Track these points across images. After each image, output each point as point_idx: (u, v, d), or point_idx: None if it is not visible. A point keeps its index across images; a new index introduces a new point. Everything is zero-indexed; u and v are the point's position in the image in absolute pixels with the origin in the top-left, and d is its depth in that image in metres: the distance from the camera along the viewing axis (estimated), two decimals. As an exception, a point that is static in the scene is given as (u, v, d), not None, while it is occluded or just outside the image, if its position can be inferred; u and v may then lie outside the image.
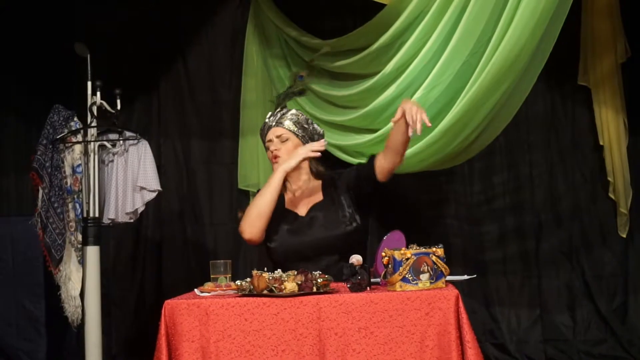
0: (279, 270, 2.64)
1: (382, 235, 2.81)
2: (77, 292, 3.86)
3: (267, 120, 3.27)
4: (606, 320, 4.64)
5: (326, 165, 3.28)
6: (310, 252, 3.06)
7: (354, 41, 4.23)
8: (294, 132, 3.20)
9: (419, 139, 3.82)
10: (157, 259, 4.96)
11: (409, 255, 2.56)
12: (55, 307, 3.91)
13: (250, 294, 2.57)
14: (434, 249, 2.61)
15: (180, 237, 4.97)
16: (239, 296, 2.58)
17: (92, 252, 3.92)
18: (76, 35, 4.36)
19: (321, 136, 3.29)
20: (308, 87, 3.61)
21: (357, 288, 2.58)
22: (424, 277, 2.57)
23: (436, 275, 2.60)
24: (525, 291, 4.76)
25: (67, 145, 3.90)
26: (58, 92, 4.53)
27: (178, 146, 5.02)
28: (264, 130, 3.27)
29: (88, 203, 3.93)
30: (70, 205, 3.88)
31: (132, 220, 4.04)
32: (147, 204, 4.02)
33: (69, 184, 3.89)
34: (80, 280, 3.87)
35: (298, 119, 3.22)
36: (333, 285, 2.66)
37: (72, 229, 3.87)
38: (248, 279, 2.61)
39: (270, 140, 3.22)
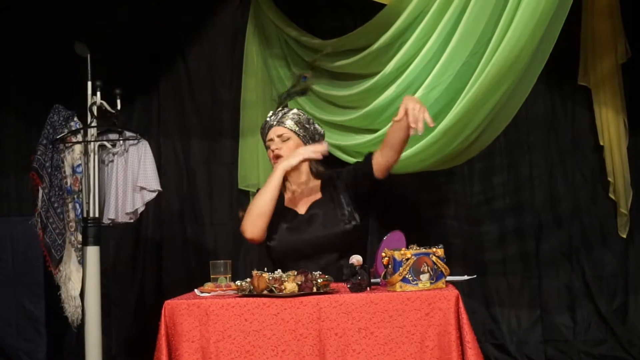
0: (279, 270, 2.64)
1: (382, 235, 2.81)
2: (77, 292, 3.86)
3: (268, 119, 3.26)
4: (606, 320, 4.64)
5: (326, 165, 3.28)
6: (310, 250, 3.06)
7: (354, 41, 4.23)
8: (295, 132, 3.19)
9: (419, 139, 3.82)
10: (157, 259, 4.96)
11: (409, 255, 2.56)
12: (55, 307, 3.92)
13: (250, 294, 2.57)
14: (434, 250, 2.61)
15: (180, 237, 4.97)
16: (239, 296, 2.58)
17: (92, 252, 3.92)
18: (76, 35, 4.36)
19: (322, 136, 3.28)
20: (312, 89, 3.61)
21: (357, 288, 2.58)
22: (424, 277, 2.57)
23: (436, 276, 2.60)
24: (526, 292, 4.76)
25: (67, 145, 3.90)
26: (58, 92, 4.53)
27: (178, 146, 5.02)
28: (265, 129, 3.26)
29: (88, 203, 3.93)
30: (70, 205, 3.88)
31: (132, 221, 4.04)
32: (147, 204, 4.02)
33: (69, 184, 3.89)
34: (80, 280, 3.88)
35: (299, 118, 3.22)
36: (333, 285, 2.66)
37: (72, 229, 3.87)
38: (248, 279, 2.61)
39: (271, 140, 3.22)
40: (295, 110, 3.26)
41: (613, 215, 4.69)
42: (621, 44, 4.56)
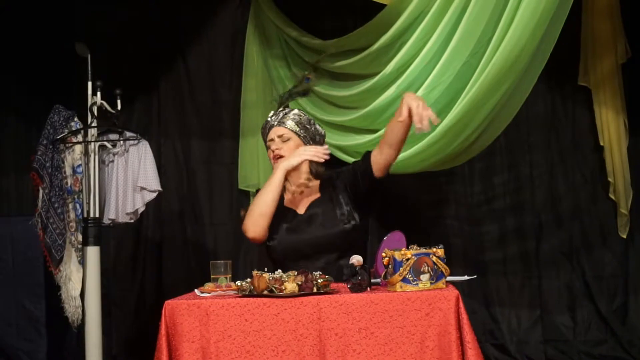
0: (279, 270, 2.64)
1: (382, 235, 2.81)
2: (77, 292, 3.86)
3: (269, 119, 3.26)
4: (606, 320, 4.64)
5: (326, 166, 3.27)
6: (309, 250, 3.05)
7: (354, 41, 4.22)
8: (295, 132, 3.19)
9: (420, 139, 3.82)
10: (158, 259, 4.96)
11: (409, 255, 2.56)
12: (56, 307, 3.91)
13: (251, 295, 2.57)
14: (434, 250, 2.61)
15: (181, 238, 4.97)
16: (239, 296, 2.58)
17: (93, 253, 3.92)
18: (76, 35, 4.36)
19: (323, 137, 3.28)
20: (311, 89, 3.60)
21: (357, 288, 2.58)
22: (425, 277, 2.57)
23: (436, 276, 2.60)
24: (526, 292, 4.76)
25: (67, 145, 3.90)
26: (58, 92, 4.53)
27: (178, 146, 5.02)
28: (266, 129, 3.26)
29: (88, 203, 3.93)
30: (70, 206, 3.88)
31: (132, 221, 4.03)
32: (147, 204, 4.02)
33: (69, 184, 3.89)
34: (81, 280, 3.87)
35: (300, 119, 3.22)
36: (333, 285, 2.66)
37: (73, 229, 3.87)
38: (248, 280, 2.61)
39: (271, 140, 3.22)
40: (296, 111, 3.26)
41: (613, 216, 4.69)
42: (621, 44, 4.56)
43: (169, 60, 5.05)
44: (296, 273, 2.59)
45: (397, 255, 2.57)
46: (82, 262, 3.89)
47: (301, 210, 3.17)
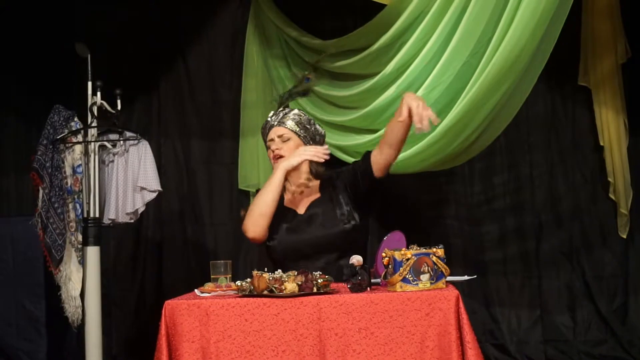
0: (279, 270, 2.64)
1: (382, 235, 2.81)
2: (77, 292, 3.86)
3: (269, 119, 3.26)
4: (606, 320, 4.64)
5: (326, 166, 3.27)
6: (309, 250, 3.05)
7: (355, 41, 4.22)
8: (295, 133, 3.19)
9: (420, 139, 3.82)
10: (158, 259, 4.96)
11: (409, 255, 2.56)
12: (56, 307, 3.91)
13: (251, 295, 2.57)
14: (434, 250, 2.61)
15: (181, 237, 4.97)
16: (239, 297, 2.58)
17: (93, 253, 3.92)
18: (76, 35, 4.36)
19: (323, 137, 3.28)
20: (312, 89, 3.60)
21: (357, 288, 2.58)
22: (425, 277, 2.57)
23: (436, 276, 2.60)
24: (526, 292, 4.76)
25: (67, 145, 3.90)
26: (58, 92, 4.53)
27: (178, 146, 5.02)
28: (266, 129, 3.26)
29: (88, 203, 3.93)
30: (70, 206, 3.88)
31: (132, 221, 4.03)
32: (148, 204, 4.02)
33: (69, 184, 3.89)
34: (81, 280, 3.87)
35: (300, 119, 3.22)
36: (333, 285, 2.66)
37: (73, 229, 3.87)
38: (248, 280, 2.61)
39: (271, 140, 3.22)
40: (296, 111, 3.26)
41: (613, 216, 4.69)
42: (621, 44, 4.56)
43: (169, 60, 5.05)
44: (296, 273, 2.59)
45: (397, 255, 2.57)
46: (82, 262, 3.89)
47: (301, 210, 3.17)
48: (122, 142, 3.95)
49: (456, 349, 2.42)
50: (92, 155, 3.94)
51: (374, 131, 4.08)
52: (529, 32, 3.29)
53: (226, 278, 2.80)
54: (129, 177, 3.93)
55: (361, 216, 3.13)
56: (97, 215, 3.94)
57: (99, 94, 3.97)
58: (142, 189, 3.92)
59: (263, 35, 4.80)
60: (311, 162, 3.20)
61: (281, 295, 2.51)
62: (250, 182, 4.81)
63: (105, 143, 3.97)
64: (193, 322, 2.53)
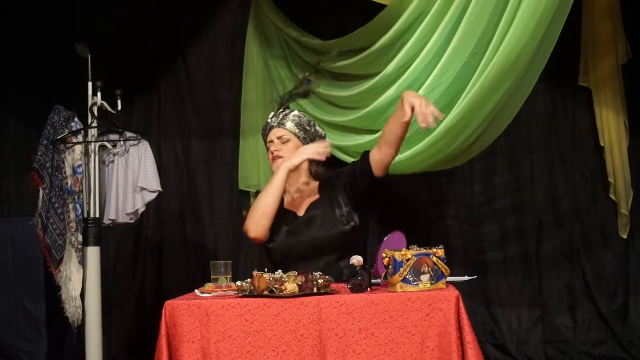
0: (280, 270, 2.64)
1: (382, 235, 2.81)
2: (77, 292, 3.86)
3: (269, 120, 3.26)
4: (607, 321, 4.64)
5: (325, 166, 3.27)
6: (309, 251, 3.05)
7: (355, 41, 4.22)
8: (295, 134, 3.19)
9: (420, 140, 3.82)
10: (158, 259, 4.95)
11: (409, 256, 2.56)
12: (56, 307, 3.91)
13: (251, 295, 2.57)
14: (434, 250, 2.61)
15: (181, 238, 4.97)
16: (240, 297, 2.58)
17: (93, 253, 3.92)
18: (76, 36, 4.36)
19: (323, 138, 3.27)
20: (313, 90, 3.60)
21: (357, 289, 2.58)
22: (425, 277, 2.57)
23: (437, 276, 2.60)
24: (526, 292, 4.76)
25: (67, 145, 3.90)
26: (58, 93, 4.53)
27: (178, 146, 5.02)
28: (266, 130, 3.26)
29: (88, 203, 3.93)
30: (70, 206, 3.88)
31: (132, 221, 4.03)
32: (148, 205, 4.01)
33: (69, 184, 3.89)
34: (81, 280, 3.87)
35: (300, 120, 3.22)
36: (333, 286, 2.65)
37: (73, 230, 3.87)
38: (248, 280, 2.61)
39: (271, 141, 3.22)
40: (296, 112, 3.25)
41: (613, 216, 4.69)
42: (621, 45, 4.56)
43: (169, 60, 5.04)
44: (296, 273, 2.59)
45: (398, 255, 2.57)
46: (82, 262, 3.88)
47: (301, 212, 3.17)
48: (122, 142, 3.95)
49: (456, 349, 2.42)
50: (93, 155, 3.94)
51: (374, 131, 4.08)
52: (529, 33, 3.29)
53: (226, 278, 2.80)
54: (129, 178, 3.93)
55: (361, 217, 3.13)
56: (97, 215, 3.94)
57: (99, 94, 3.97)
58: (142, 189, 3.92)
59: (263, 35, 4.80)
60: (310, 163, 3.20)
61: (281, 296, 2.50)
62: (250, 183, 4.81)
63: (106, 143, 3.97)
64: (193, 323, 2.53)
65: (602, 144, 4.65)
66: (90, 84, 3.99)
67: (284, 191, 3.20)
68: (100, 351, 3.90)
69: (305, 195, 3.21)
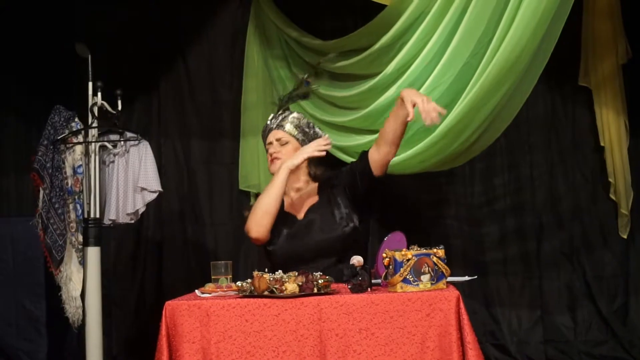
0: (280, 271, 2.64)
1: (382, 236, 2.81)
2: (78, 292, 3.86)
3: (268, 122, 3.26)
4: (607, 321, 4.64)
5: (324, 167, 3.27)
6: (309, 254, 3.04)
7: (355, 42, 4.22)
8: (294, 136, 3.19)
9: (420, 140, 3.82)
10: (158, 260, 4.95)
11: (409, 256, 2.56)
12: (56, 307, 3.91)
13: (251, 295, 2.57)
14: (434, 250, 2.61)
15: (181, 238, 4.97)
16: (240, 297, 2.58)
17: (93, 253, 3.91)
18: (76, 36, 4.35)
19: None
20: (313, 91, 3.60)
21: (357, 289, 2.58)
22: (425, 278, 2.57)
23: (437, 277, 2.60)
24: (526, 292, 4.76)
25: (68, 146, 3.90)
26: (58, 93, 4.53)
27: (178, 146, 5.02)
28: (265, 132, 3.26)
29: (89, 204, 3.93)
30: (71, 206, 3.88)
31: (132, 221, 4.03)
32: (148, 205, 4.01)
33: (69, 184, 3.89)
34: (81, 281, 3.87)
35: (299, 122, 3.22)
36: (334, 286, 2.65)
37: (73, 230, 3.87)
38: (249, 280, 2.61)
39: (270, 143, 3.22)
40: (295, 114, 3.25)
41: (614, 216, 4.69)
42: (622, 45, 4.56)
43: (169, 60, 5.04)
44: (297, 274, 2.59)
45: (398, 255, 2.56)
46: (83, 262, 3.88)
47: (300, 215, 3.16)
48: (122, 142, 3.95)
49: (457, 349, 2.42)
50: (93, 155, 3.94)
51: (375, 132, 4.07)
52: (529, 33, 3.29)
53: (227, 279, 2.80)
54: (129, 178, 3.93)
55: (360, 218, 3.12)
56: (97, 215, 3.94)
57: (99, 94, 3.96)
58: (143, 189, 3.92)
59: (263, 35, 4.80)
60: (309, 164, 3.20)
61: (282, 296, 2.50)
62: (250, 183, 4.81)
63: (106, 143, 3.97)
64: (194, 323, 2.53)
65: (602, 144, 4.65)
66: (90, 84, 3.98)
67: (284, 193, 3.20)
68: (100, 351, 3.90)
69: (305, 197, 3.20)
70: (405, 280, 2.55)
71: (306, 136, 3.21)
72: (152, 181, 3.92)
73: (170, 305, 2.58)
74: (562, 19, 3.42)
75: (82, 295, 3.87)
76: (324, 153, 3.12)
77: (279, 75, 4.73)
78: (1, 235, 4.38)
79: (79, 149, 3.91)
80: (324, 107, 4.47)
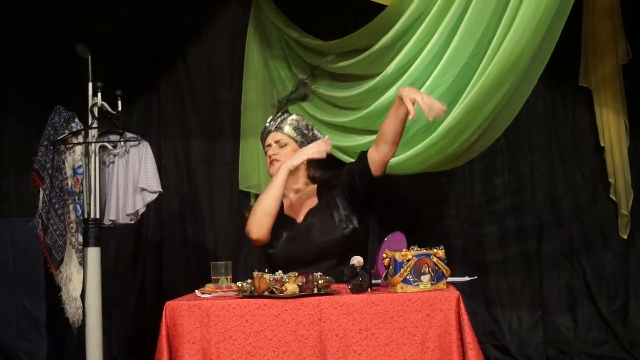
0: (280, 271, 2.63)
1: (383, 236, 2.81)
2: (78, 293, 3.85)
3: (267, 124, 3.27)
4: (607, 321, 4.64)
5: (323, 169, 3.26)
6: (309, 257, 3.04)
7: (355, 42, 4.22)
8: (293, 138, 3.19)
9: (420, 140, 3.82)
10: (158, 260, 4.95)
11: (410, 256, 2.56)
12: (56, 307, 3.91)
13: (251, 296, 2.56)
14: (435, 251, 2.61)
15: (181, 238, 4.97)
16: (240, 297, 2.58)
17: (93, 254, 3.91)
18: (76, 36, 4.35)
19: None
20: (312, 91, 3.60)
21: (358, 289, 2.58)
22: (425, 278, 2.57)
23: (437, 277, 2.59)
24: (526, 292, 4.76)
25: (68, 146, 3.90)
26: (58, 93, 4.53)
27: (178, 146, 5.02)
28: (264, 134, 3.27)
29: (89, 204, 3.92)
30: (71, 207, 3.88)
31: (132, 222, 4.03)
32: (148, 205, 4.01)
33: (69, 185, 3.89)
34: (81, 281, 3.87)
35: (298, 124, 3.22)
36: (334, 286, 2.65)
37: (73, 230, 3.87)
38: (249, 280, 2.61)
39: (269, 145, 3.22)
40: (294, 116, 3.25)
41: (614, 216, 4.69)
42: (622, 45, 4.56)
43: (169, 61, 5.04)
44: (297, 274, 2.58)
45: (398, 256, 2.56)
46: (83, 263, 3.88)
47: (300, 218, 3.16)
48: (122, 143, 3.95)
49: (457, 349, 2.42)
50: (93, 156, 3.94)
51: (375, 132, 4.04)
52: (529, 33, 3.29)
53: (227, 279, 2.80)
54: (129, 178, 3.93)
55: (360, 218, 3.12)
56: (97, 216, 3.94)
57: (99, 94, 3.96)
58: (143, 190, 3.92)
59: (264, 36, 4.80)
60: (308, 165, 3.20)
61: (282, 296, 2.50)
62: (250, 183, 4.80)
63: (106, 144, 3.96)
64: (194, 323, 2.53)
65: (602, 144, 4.65)
66: (90, 84, 3.98)
67: (283, 195, 3.20)
68: (100, 352, 3.89)
69: (304, 199, 3.20)
70: (405, 281, 2.54)
71: (305, 138, 3.21)
72: (152, 181, 3.92)
73: (170, 305, 2.58)
74: (563, 19, 3.42)
75: (82, 295, 3.87)
76: (324, 155, 3.12)
77: (279, 75, 4.73)
78: (1, 235, 4.38)
79: (79, 149, 3.91)
80: (324, 108, 4.47)
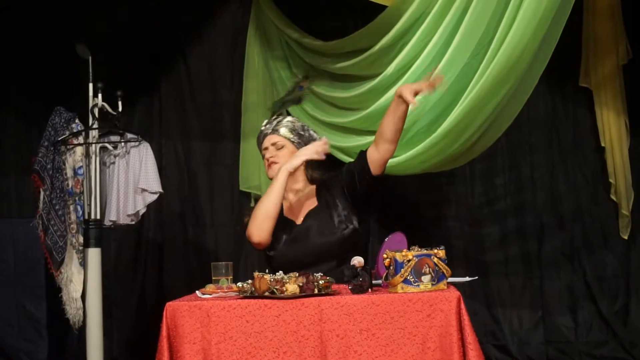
0: (281, 272, 2.63)
1: (383, 236, 2.81)
2: (78, 294, 3.85)
3: (262, 127, 3.26)
4: (608, 321, 4.63)
5: (322, 170, 3.26)
6: (310, 259, 3.03)
7: (356, 42, 4.22)
8: (289, 140, 3.19)
9: (421, 140, 3.82)
10: (158, 261, 4.95)
11: (410, 257, 2.56)
12: (57, 308, 3.91)
13: (252, 296, 2.56)
14: (435, 251, 2.61)
15: (181, 239, 4.97)
16: (241, 298, 2.58)
17: (94, 254, 3.91)
18: (76, 36, 4.35)
19: None
20: (311, 92, 3.60)
21: (358, 290, 2.58)
22: (426, 278, 2.57)
23: (438, 277, 2.59)
24: (527, 292, 4.76)
25: (68, 147, 3.90)
26: (58, 93, 4.53)
27: (179, 147, 5.02)
28: (260, 137, 3.26)
29: (89, 205, 3.92)
30: (71, 207, 3.88)
31: (133, 222, 4.03)
32: (148, 206, 4.01)
33: (70, 186, 3.89)
34: (82, 282, 3.87)
35: (294, 126, 3.22)
36: (334, 286, 2.65)
37: (74, 231, 3.87)
38: (249, 281, 2.61)
39: (266, 148, 3.22)
40: (289, 118, 3.26)
41: (614, 216, 4.69)
42: (622, 45, 4.56)
43: (169, 61, 5.04)
44: (297, 274, 2.58)
45: (399, 256, 2.56)
46: (83, 263, 3.88)
47: (299, 220, 3.16)
48: (123, 143, 3.95)
49: (457, 350, 2.42)
50: (93, 157, 3.94)
51: (375, 132, 4.07)
52: (530, 33, 3.29)
53: (227, 279, 2.80)
54: (130, 179, 3.93)
55: (359, 218, 3.12)
56: (98, 217, 3.94)
57: (100, 95, 3.96)
58: (143, 190, 3.92)
59: (264, 36, 4.80)
60: (307, 167, 3.19)
61: (282, 297, 2.50)
62: (251, 184, 4.80)
63: (107, 145, 3.97)
64: (194, 324, 2.53)
65: (602, 144, 4.65)
66: (91, 85, 3.98)
67: (283, 197, 3.19)
68: (101, 352, 3.89)
69: (303, 200, 3.20)
70: (406, 281, 2.54)
71: (301, 139, 3.21)
72: (152, 182, 3.92)
73: (171, 306, 2.58)
74: (563, 20, 3.42)
75: (83, 296, 3.87)
76: (323, 156, 3.11)
77: (280, 76, 4.73)
78: (2, 236, 4.38)
79: (79, 150, 3.91)
80: (325, 108, 4.47)
